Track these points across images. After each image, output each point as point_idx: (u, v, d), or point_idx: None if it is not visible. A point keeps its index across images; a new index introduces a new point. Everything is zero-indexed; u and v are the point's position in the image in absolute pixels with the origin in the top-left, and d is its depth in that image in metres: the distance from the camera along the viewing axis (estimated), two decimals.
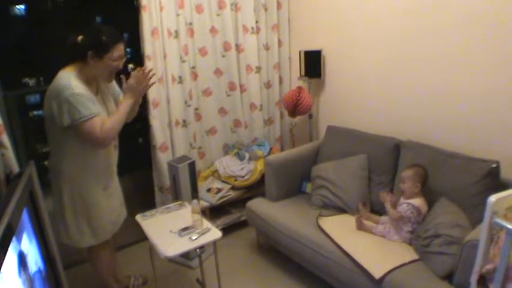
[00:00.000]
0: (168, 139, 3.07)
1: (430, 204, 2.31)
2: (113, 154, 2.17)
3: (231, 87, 3.40)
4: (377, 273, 2.03)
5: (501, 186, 2.10)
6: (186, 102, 3.14)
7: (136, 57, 3.06)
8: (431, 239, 2.09)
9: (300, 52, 3.35)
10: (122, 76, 2.08)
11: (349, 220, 2.53)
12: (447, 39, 2.48)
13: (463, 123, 2.51)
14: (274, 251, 2.83)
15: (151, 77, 2.08)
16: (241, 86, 3.45)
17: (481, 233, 1.41)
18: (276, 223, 2.62)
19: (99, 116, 1.91)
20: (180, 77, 3.07)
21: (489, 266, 1.43)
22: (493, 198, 1.35)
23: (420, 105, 2.73)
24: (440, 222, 2.09)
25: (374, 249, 2.24)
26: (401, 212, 2.30)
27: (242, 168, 3.22)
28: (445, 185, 2.30)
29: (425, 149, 2.51)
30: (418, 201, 2.30)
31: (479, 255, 1.44)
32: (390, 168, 2.68)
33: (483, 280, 1.47)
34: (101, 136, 1.90)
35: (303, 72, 3.35)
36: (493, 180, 2.18)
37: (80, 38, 1.89)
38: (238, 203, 3.24)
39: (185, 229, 2.16)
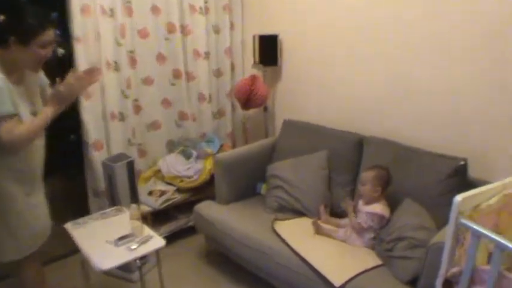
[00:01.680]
0: (103, 135, 3.01)
1: (395, 204, 2.39)
2: (38, 155, 2.06)
3: (176, 75, 3.36)
4: (337, 281, 2.07)
5: (469, 185, 2.17)
6: (123, 92, 3.08)
7: (65, 39, 2.96)
8: (395, 242, 2.17)
9: (254, 36, 3.34)
10: (58, 79, 1.96)
11: (307, 224, 2.57)
12: (414, 29, 2.57)
13: (430, 119, 2.61)
14: (225, 259, 2.84)
15: (92, 81, 1.98)
16: (187, 73, 3.42)
17: (447, 234, 1.47)
18: (227, 228, 2.63)
19: (11, 117, 1.80)
20: (116, 63, 3.00)
21: (455, 269, 1.49)
22: (459, 197, 1.40)
23: (385, 98, 2.81)
24: (404, 225, 2.17)
25: (334, 255, 2.29)
26: (361, 224, 2.38)
27: (189, 168, 3.20)
28: (410, 184, 2.39)
29: (390, 145, 2.59)
30: (379, 207, 2.38)
31: (445, 258, 1.49)
32: (352, 167, 2.75)
33: (449, 284, 1.51)
34: (7, 139, 1.79)
35: (257, 59, 3.35)
36: (461, 179, 2.28)
37: (0, 18, 1.78)
38: (185, 207, 3.22)
39: (123, 238, 2.13)
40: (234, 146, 3.76)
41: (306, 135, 2.98)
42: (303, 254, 2.28)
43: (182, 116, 3.47)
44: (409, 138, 2.65)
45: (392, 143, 2.60)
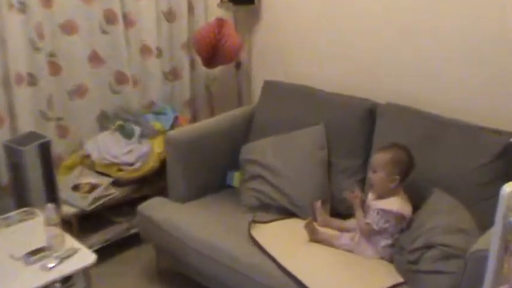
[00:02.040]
0: (4, 106, 2.97)
1: (419, 199, 2.40)
2: None
3: (109, 18, 3.32)
4: None
5: None
6: (33, 43, 3.04)
7: None
8: (421, 251, 2.16)
9: None
10: None
11: (298, 227, 2.56)
12: None
13: (469, 79, 2.64)
14: (183, 279, 2.85)
15: None
16: (125, 16, 3.39)
17: (492, 239, 1.47)
18: (186, 236, 2.63)
19: None
20: (20, 1, 2.94)
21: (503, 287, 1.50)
22: (507, 187, 1.39)
23: (405, 50, 2.82)
24: (434, 227, 2.17)
25: (336, 270, 2.29)
26: (370, 225, 2.40)
27: (130, 151, 3.18)
28: (441, 169, 2.42)
29: (413, 116, 2.61)
30: (396, 203, 2.39)
31: (490, 272, 1.50)
32: (361, 147, 2.76)
33: None
34: None
35: None
36: (510, 161, 2.31)
37: None
38: (125, 206, 3.23)
39: (36, 252, 2.11)
40: (194, 120, 3.76)
41: (295, 103, 2.99)
42: (292, 269, 2.26)
43: (119, 78, 3.45)
44: (439, 106, 2.65)
45: (416, 112, 2.63)
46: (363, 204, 2.51)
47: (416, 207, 2.41)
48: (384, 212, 2.38)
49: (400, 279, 2.23)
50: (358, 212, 2.48)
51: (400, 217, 2.38)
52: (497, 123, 2.44)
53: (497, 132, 2.36)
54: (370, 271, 2.29)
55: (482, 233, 2.00)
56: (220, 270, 2.50)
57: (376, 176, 2.43)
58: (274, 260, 2.35)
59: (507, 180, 1.45)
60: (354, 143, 2.78)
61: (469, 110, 2.62)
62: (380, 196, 2.44)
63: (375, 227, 2.38)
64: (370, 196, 2.49)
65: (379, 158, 2.45)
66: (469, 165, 2.35)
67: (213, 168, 3.04)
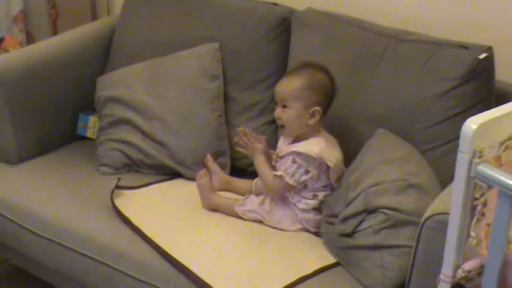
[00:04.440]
0: None
1: (354, 146, 2.44)
2: None
3: None
4: None
5: (495, 99, 2.31)
6: None
7: None
8: (358, 218, 2.18)
9: None
10: None
11: (184, 192, 2.62)
12: None
13: None
14: (23, 276, 2.83)
15: None
16: None
17: (453, 198, 1.47)
18: (19, 215, 2.60)
19: None
20: None
21: (470, 263, 1.50)
22: (472, 123, 1.39)
23: None
24: (375, 184, 2.18)
25: (240, 252, 2.30)
26: (283, 178, 2.38)
27: None
28: (384, 102, 2.48)
29: (345, 27, 2.64)
30: (318, 145, 2.39)
31: (452, 245, 1.50)
32: (272, 73, 2.80)
33: None
34: None
35: None
36: (480, 88, 2.36)
37: None
38: None
39: None
40: (28, 42, 3.73)
41: (174, 13, 2.99)
42: (177, 255, 2.25)
43: None
44: (382, 14, 2.71)
45: (349, 22, 2.67)
46: (270, 158, 2.50)
47: (350, 157, 2.42)
48: (301, 157, 2.36)
49: (331, 260, 2.24)
50: (259, 161, 2.46)
51: (320, 162, 2.37)
52: (462, 36, 2.48)
53: (462, 46, 2.37)
54: (287, 250, 2.30)
55: (442, 188, 2.07)
56: (75, 262, 2.46)
57: (287, 113, 2.40)
58: (151, 241, 2.33)
59: (474, 114, 1.43)
60: (262, 67, 2.79)
61: (422, 18, 2.66)
62: (295, 141, 2.44)
63: (290, 181, 2.36)
64: (281, 144, 2.49)
65: (290, 85, 2.41)
66: (424, 95, 2.39)
67: (57, 112, 3.00)
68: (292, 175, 2.36)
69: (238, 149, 2.58)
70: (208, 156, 2.68)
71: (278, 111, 2.43)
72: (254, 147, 2.48)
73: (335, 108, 2.45)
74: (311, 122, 2.39)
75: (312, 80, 2.40)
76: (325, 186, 2.40)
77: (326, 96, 2.41)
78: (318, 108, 2.38)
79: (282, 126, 2.46)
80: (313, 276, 2.17)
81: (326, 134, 2.44)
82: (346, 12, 2.72)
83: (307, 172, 2.36)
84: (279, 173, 2.39)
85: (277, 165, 2.43)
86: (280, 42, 2.78)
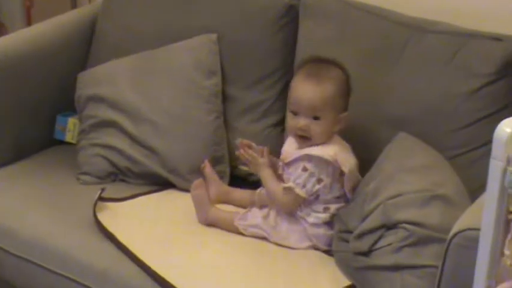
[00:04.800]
0: None
1: (371, 152, 2.38)
2: None
3: None
4: None
5: None
6: None
7: None
8: (376, 235, 2.13)
9: None
10: None
11: (177, 205, 2.60)
12: None
13: None
14: None
15: None
16: None
17: (485, 212, 1.44)
18: None
19: None
20: None
21: (505, 286, 1.47)
22: (506, 126, 1.36)
23: None
24: (395, 195, 2.12)
25: (240, 272, 2.24)
26: (293, 190, 2.30)
27: None
28: (406, 102, 2.43)
29: (361, 15, 2.61)
30: (332, 149, 2.32)
31: (483, 263, 1.47)
32: (276, 69, 2.76)
33: None
34: None
35: None
36: None
37: None
38: None
39: None
40: (0, 33, 3.74)
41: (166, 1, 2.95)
42: (160, 271, 2.19)
43: None
44: (402, 0, 2.67)
45: (366, 9, 2.62)
46: (276, 167, 2.44)
47: (366, 165, 2.34)
48: (312, 163, 2.28)
49: (344, 282, 2.16)
50: (266, 176, 2.39)
51: (338, 170, 2.30)
52: (495, 26, 2.42)
53: (495, 38, 2.32)
54: (295, 271, 2.22)
55: (472, 201, 2.01)
56: (53, 284, 2.44)
57: (319, 125, 2.30)
58: (138, 260, 2.25)
59: (508, 115, 1.43)
60: (265, 62, 2.74)
61: (448, 5, 2.62)
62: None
63: (301, 192, 2.28)
64: (287, 147, 2.42)
65: (321, 92, 2.30)
66: (450, 93, 2.34)
67: (32, 113, 2.96)
68: (304, 185, 2.28)
69: (241, 167, 2.56)
70: (206, 162, 2.62)
71: (306, 124, 2.31)
72: (257, 163, 2.42)
73: (349, 109, 2.38)
74: (336, 129, 2.33)
75: (340, 82, 2.34)
76: (338, 198, 2.33)
77: (349, 97, 2.36)
78: (345, 113, 2.33)
79: (303, 138, 2.35)
80: None
81: (339, 139, 2.36)
82: None
83: (319, 181, 2.28)
84: (288, 184, 2.31)
85: (285, 174, 2.36)
86: (286, 33, 2.73)
